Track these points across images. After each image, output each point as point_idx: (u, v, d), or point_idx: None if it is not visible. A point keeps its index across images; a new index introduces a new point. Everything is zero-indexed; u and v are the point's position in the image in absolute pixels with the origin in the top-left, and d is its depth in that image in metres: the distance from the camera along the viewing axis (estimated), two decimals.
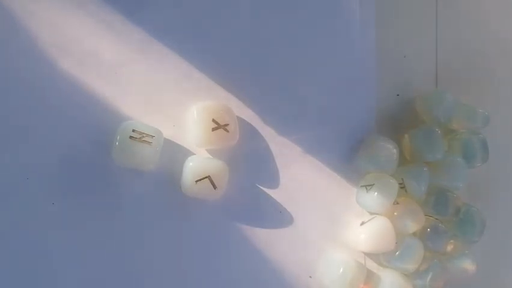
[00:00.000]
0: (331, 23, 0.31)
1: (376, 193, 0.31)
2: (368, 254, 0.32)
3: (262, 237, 0.30)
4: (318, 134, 0.31)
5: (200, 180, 0.28)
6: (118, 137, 0.27)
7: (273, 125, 0.30)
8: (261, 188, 0.30)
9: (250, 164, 0.30)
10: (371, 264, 0.32)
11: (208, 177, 0.28)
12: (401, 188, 0.32)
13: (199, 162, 0.28)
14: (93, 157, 0.28)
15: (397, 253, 0.31)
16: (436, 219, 0.33)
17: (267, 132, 0.30)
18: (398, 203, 0.32)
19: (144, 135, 0.27)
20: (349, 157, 0.32)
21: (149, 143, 0.27)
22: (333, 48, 0.31)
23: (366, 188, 0.31)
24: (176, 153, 0.29)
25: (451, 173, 0.33)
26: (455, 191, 0.34)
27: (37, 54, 0.27)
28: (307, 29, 0.31)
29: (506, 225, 0.38)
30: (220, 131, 0.28)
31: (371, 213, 0.32)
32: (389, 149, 0.31)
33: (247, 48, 0.30)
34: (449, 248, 0.34)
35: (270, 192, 0.30)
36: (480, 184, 0.37)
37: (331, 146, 0.31)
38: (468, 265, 0.34)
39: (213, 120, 0.28)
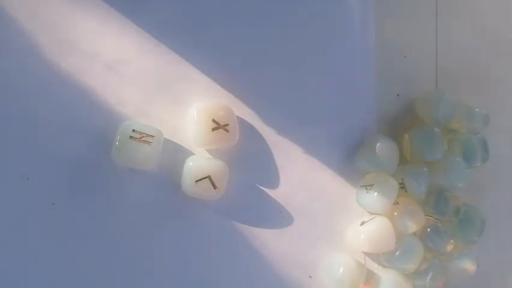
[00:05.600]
0: (331, 23, 0.31)
1: (376, 193, 0.31)
2: (368, 254, 0.32)
3: (262, 237, 0.30)
4: (318, 134, 0.31)
5: (200, 180, 0.28)
6: (118, 137, 0.27)
7: (273, 125, 0.30)
8: (261, 188, 0.30)
9: (250, 164, 0.30)
10: (371, 264, 0.32)
11: (208, 177, 0.28)
12: (401, 188, 0.32)
13: (199, 162, 0.28)
14: (93, 157, 0.28)
15: (397, 253, 0.31)
16: (436, 219, 0.33)
17: (267, 132, 0.30)
18: (398, 203, 0.32)
19: (144, 135, 0.27)
20: (349, 157, 0.32)
21: (149, 143, 0.27)
22: (333, 48, 0.31)
23: (366, 188, 0.31)
24: (176, 153, 0.29)
25: (451, 173, 0.33)
26: (455, 191, 0.34)
27: (37, 54, 0.27)
28: (307, 29, 0.31)
29: (506, 225, 0.38)
30: (220, 131, 0.28)
31: (371, 213, 0.32)
32: (389, 149, 0.31)
33: (247, 48, 0.30)
34: (449, 248, 0.34)
35: (270, 192, 0.30)
36: (480, 184, 0.37)
37: (331, 146, 0.31)
38: (468, 265, 0.34)
39: (213, 120, 0.28)
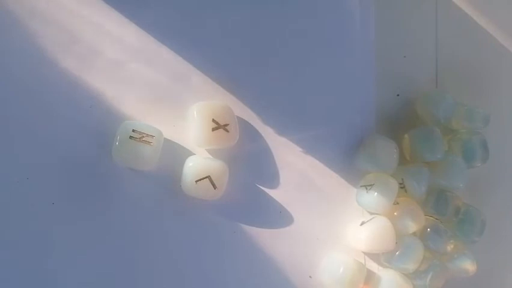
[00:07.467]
0: (331, 23, 0.31)
1: (376, 193, 0.31)
2: (368, 254, 0.32)
3: (262, 237, 0.30)
4: (318, 134, 0.31)
5: (200, 180, 0.28)
6: (118, 137, 0.27)
7: (273, 125, 0.30)
8: (261, 188, 0.30)
9: (250, 164, 0.30)
10: (371, 264, 0.32)
11: (208, 177, 0.28)
12: (401, 188, 0.32)
13: (199, 162, 0.28)
14: (93, 157, 0.28)
15: (397, 253, 0.31)
16: (436, 219, 0.33)
17: (267, 132, 0.30)
18: (398, 203, 0.32)
19: (144, 135, 0.27)
20: (349, 157, 0.32)
21: (149, 143, 0.27)
22: (333, 48, 0.31)
23: (366, 188, 0.31)
24: (176, 153, 0.29)
25: (451, 173, 0.33)
26: (455, 191, 0.34)
27: (37, 54, 0.27)
28: (307, 29, 0.31)
29: (506, 226, 0.38)
30: (220, 131, 0.28)
31: (371, 213, 0.32)
32: (389, 149, 0.31)
33: (247, 48, 0.30)
34: (449, 248, 0.34)
35: (270, 192, 0.30)
36: (480, 184, 0.37)
37: (331, 146, 0.31)
38: (468, 265, 0.34)
39: (213, 120, 0.28)
